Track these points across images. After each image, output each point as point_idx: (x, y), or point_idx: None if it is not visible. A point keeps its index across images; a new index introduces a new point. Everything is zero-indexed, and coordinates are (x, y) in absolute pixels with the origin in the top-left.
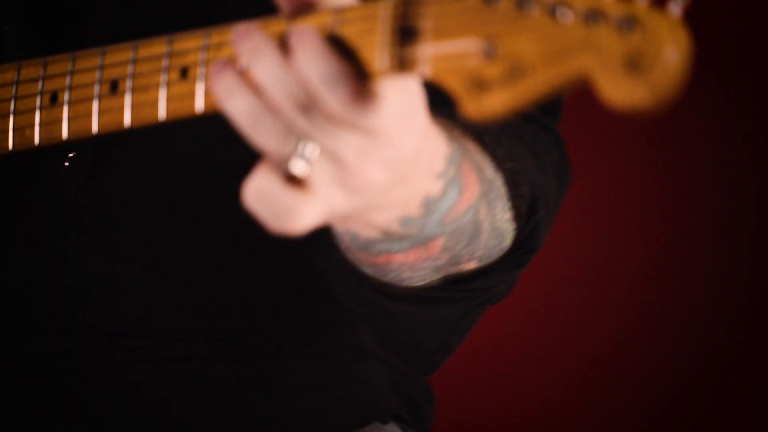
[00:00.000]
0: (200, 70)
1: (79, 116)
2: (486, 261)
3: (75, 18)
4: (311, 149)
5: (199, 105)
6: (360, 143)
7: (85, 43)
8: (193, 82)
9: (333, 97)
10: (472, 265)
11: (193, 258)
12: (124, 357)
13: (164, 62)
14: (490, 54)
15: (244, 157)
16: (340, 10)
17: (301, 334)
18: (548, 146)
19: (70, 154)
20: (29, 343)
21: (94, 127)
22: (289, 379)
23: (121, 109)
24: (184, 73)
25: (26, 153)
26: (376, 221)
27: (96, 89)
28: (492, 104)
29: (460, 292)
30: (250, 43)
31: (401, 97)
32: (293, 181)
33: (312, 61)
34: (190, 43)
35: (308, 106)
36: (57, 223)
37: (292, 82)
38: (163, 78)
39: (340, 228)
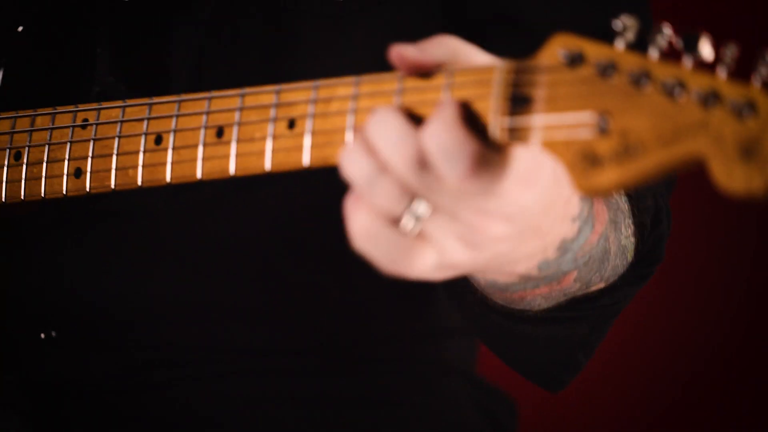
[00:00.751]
0: (308, 124)
1: (184, 161)
2: (612, 280)
3: (161, 45)
4: (423, 209)
5: (306, 159)
6: (478, 205)
7: (170, 71)
8: (301, 136)
9: (453, 171)
10: (600, 286)
11: (279, 273)
12: (211, 371)
13: (272, 112)
14: (602, 129)
15: (335, 176)
16: (452, 73)
17: (389, 349)
18: None
19: None
20: (110, 357)
21: (198, 173)
22: (374, 394)
23: (226, 157)
24: (292, 124)
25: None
26: (515, 270)
27: (201, 135)
28: (601, 181)
29: (587, 310)
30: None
31: (523, 158)
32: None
33: (441, 135)
34: (298, 95)
35: (425, 170)
36: (139, 240)
37: (414, 150)
38: (270, 129)
39: (479, 277)
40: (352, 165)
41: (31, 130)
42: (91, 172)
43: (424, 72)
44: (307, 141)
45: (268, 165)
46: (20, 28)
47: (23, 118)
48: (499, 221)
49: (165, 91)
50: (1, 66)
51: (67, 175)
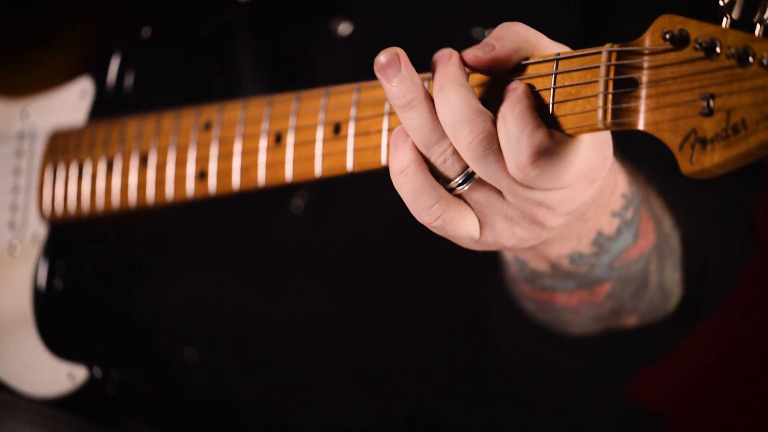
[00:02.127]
0: None
1: (303, 159)
2: (647, 318)
3: (304, 55)
4: (469, 176)
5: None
6: (538, 197)
7: (313, 79)
8: None
9: (514, 158)
10: (633, 320)
11: (412, 292)
12: (352, 390)
13: (386, 106)
14: (707, 110)
15: None
16: (559, 59)
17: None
18: (732, 217)
19: (296, 199)
20: (259, 375)
21: (317, 170)
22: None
23: (343, 153)
24: None
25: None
26: (548, 253)
27: (320, 131)
28: (706, 160)
29: (619, 349)
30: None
31: (593, 154)
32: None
33: (510, 120)
34: None
35: (488, 151)
36: (285, 263)
37: (480, 129)
38: (385, 123)
39: (509, 255)
40: (413, 121)
41: (156, 134)
42: (214, 174)
43: (501, 67)
44: None
45: (384, 160)
46: (148, 33)
47: (149, 122)
48: (558, 216)
49: (312, 79)
50: (133, 71)
51: (193, 178)
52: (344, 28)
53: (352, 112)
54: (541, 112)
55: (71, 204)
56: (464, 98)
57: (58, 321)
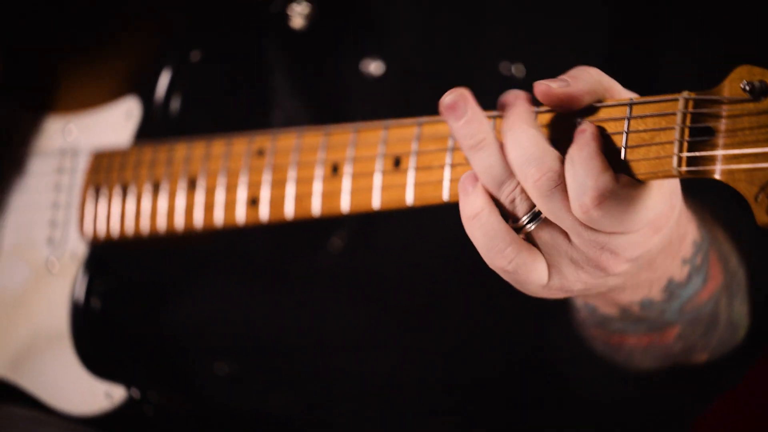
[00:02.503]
0: None
1: (360, 190)
2: (717, 353)
3: (337, 92)
4: (537, 221)
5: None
6: (603, 240)
7: (349, 99)
8: None
9: (578, 199)
10: (703, 356)
11: (447, 313)
12: (377, 407)
13: (450, 142)
14: None
15: None
16: (633, 104)
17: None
18: None
19: (334, 239)
20: (295, 392)
21: (375, 203)
22: None
23: (403, 186)
24: None
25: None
26: (618, 299)
27: (379, 163)
28: None
29: (689, 382)
30: (511, 120)
31: (660, 202)
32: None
33: (577, 163)
34: None
35: (554, 190)
36: (323, 284)
37: (546, 168)
38: (448, 158)
39: (579, 301)
40: (482, 161)
41: (206, 158)
42: (266, 201)
43: (572, 104)
44: None
45: (446, 195)
46: (197, 57)
47: (198, 145)
48: (621, 261)
49: (343, 116)
50: (180, 94)
51: (244, 204)
52: (376, 68)
53: (414, 146)
54: (610, 156)
55: (114, 224)
56: (533, 137)
57: (95, 339)
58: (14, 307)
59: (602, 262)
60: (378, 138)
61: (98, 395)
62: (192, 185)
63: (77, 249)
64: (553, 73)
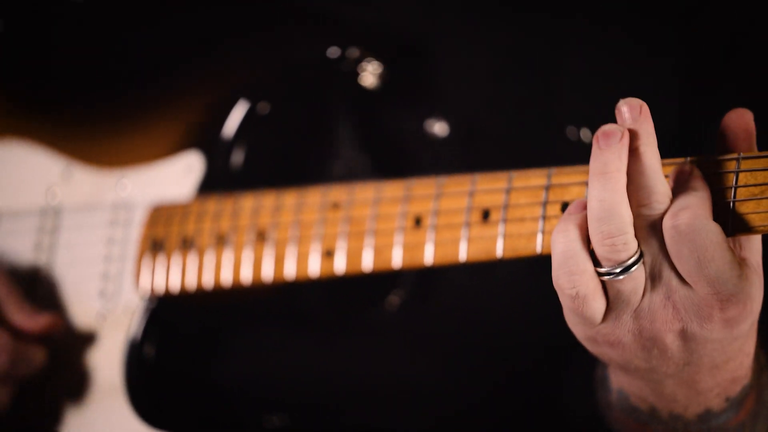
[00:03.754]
0: None
1: (446, 242)
2: None
3: (404, 152)
4: (638, 268)
5: None
6: (690, 297)
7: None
8: None
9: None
10: None
11: (501, 370)
12: None
13: (543, 195)
14: None
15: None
16: (743, 158)
17: None
18: None
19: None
20: None
21: (462, 255)
22: None
23: (493, 238)
24: (565, 208)
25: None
26: (647, 397)
27: (465, 216)
28: None
29: None
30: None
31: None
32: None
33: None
34: (571, 178)
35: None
36: (376, 339)
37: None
38: (542, 211)
39: (615, 383)
40: (600, 191)
41: (277, 209)
42: (343, 253)
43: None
44: None
45: (539, 247)
46: (265, 110)
47: (268, 197)
48: (678, 346)
49: (406, 169)
50: (245, 145)
51: (318, 256)
52: (440, 129)
53: (504, 198)
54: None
55: (174, 277)
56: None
57: (149, 390)
58: (67, 358)
59: (662, 335)
60: (464, 190)
61: None
62: (261, 237)
63: (131, 301)
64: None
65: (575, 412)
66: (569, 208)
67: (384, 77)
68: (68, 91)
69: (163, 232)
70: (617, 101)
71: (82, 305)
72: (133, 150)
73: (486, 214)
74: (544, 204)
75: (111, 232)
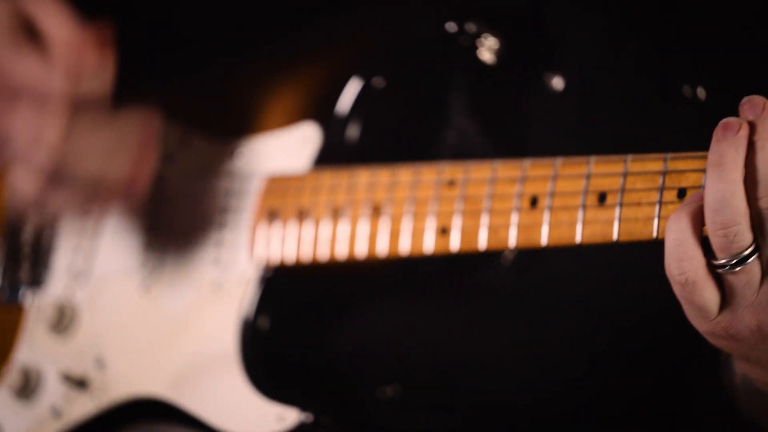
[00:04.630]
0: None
1: (561, 224)
2: None
3: (518, 109)
4: (754, 261)
5: None
6: None
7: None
8: None
9: None
10: None
11: (615, 342)
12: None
13: (660, 180)
14: None
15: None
16: None
17: None
18: None
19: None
20: (450, 416)
21: (578, 237)
22: None
23: (609, 222)
24: (682, 194)
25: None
26: None
27: (582, 198)
28: None
29: None
30: None
31: None
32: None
33: None
34: (688, 164)
35: None
36: (485, 306)
37: None
38: (658, 196)
39: (739, 368)
40: (716, 183)
41: (393, 186)
42: (458, 231)
43: None
44: None
45: (654, 232)
46: (381, 85)
47: (383, 173)
48: None
49: (522, 144)
50: (360, 119)
51: (433, 233)
52: (557, 83)
53: (621, 182)
54: None
55: (289, 249)
56: None
57: (265, 361)
58: (178, 326)
59: None
60: (581, 172)
61: (269, 418)
62: (377, 212)
63: (246, 271)
64: (736, 97)
65: (701, 390)
66: (688, 198)
67: (501, 52)
68: (187, 59)
69: (278, 203)
70: (735, 61)
71: (197, 272)
72: (250, 120)
73: (602, 198)
74: (661, 189)
75: (226, 201)
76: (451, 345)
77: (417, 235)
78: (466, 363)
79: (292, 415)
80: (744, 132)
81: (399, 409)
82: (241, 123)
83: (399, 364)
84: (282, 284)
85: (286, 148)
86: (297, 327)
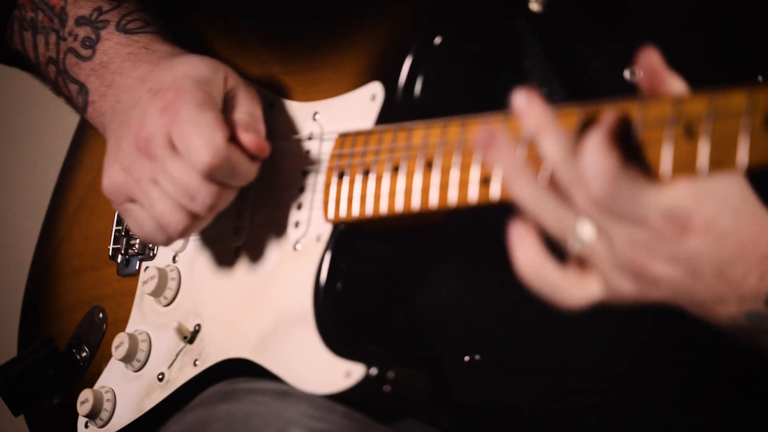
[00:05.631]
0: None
1: None
2: None
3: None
4: (588, 232)
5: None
6: (629, 233)
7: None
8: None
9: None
10: None
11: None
12: (613, 400)
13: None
14: None
15: None
16: (680, 101)
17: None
18: None
19: None
20: (535, 383)
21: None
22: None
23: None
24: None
25: None
26: (715, 313)
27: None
28: None
29: None
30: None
31: (685, 195)
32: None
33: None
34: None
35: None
36: None
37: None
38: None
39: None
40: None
41: (442, 140)
42: (498, 180)
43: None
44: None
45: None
46: (438, 40)
47: (435, 127)
48: (659, 260)
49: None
50: (420, 75)
51: (477, 184)
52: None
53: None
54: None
55: (355, 205)
56: None
57: (337, 319)
58: (262, 290)
59: (638, 260)
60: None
61: (338, 375)
62: (429, 166)
63: (323, 231)
64: None
65: None
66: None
67: (566, 7)
68: (267, 30)
69: (346, 163)
70: None
71: (280, 235)
72: (323, 83)
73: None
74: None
75: (305, 163)
76: (531, 310)
77: (463, 186)
78: (547, 328)
79: (359, 370)
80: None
81: (478, 370)
82: (316, 87)
83: (475, 328)
84: (358, 244)
85: (355, 109)
86: (369, 286)
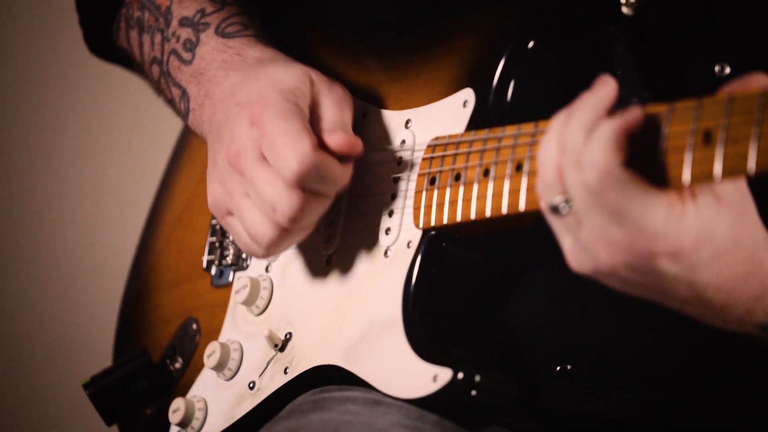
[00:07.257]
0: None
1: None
2: None
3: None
4: (564, 206)
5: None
6: (602, 226)
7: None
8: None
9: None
10: None
11: None
12: (707, 411)
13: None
14: None
15: None
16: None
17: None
18: None
19: None
20: (626, 394)
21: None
22: None
23: (710, 159)
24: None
25: None
26: (724, 319)
27: (689, 140)
28: None
29: None
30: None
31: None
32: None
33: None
34: None
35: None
36: None
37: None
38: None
39: None
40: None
41: (532, 143)
42: None
43: None
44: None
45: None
46: (531, 44)
47: (525, 127)
48: (621, 263)
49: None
50: (513, 79)
51: None
52: (722, 68)
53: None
54: None
55: (446, 210)
56: None
57: (426, 325)
58: (353, 297)
59: (600, 251)
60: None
61: (426, 379)
62: (518, 169)
63: (414, 237)
64: None
65: None
66: None
67: (658, 12)
68: (372, 36)
69: (437, 168)
70: None
71: (372, 241)
72: (416, 91)
73: (707, 138)
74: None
75: (398, 170)
76: (623, 322)
77: None
78: (639, 338)
79: (446, 374)
80: None
81: (567, 380)
82: (409, 95)
83: (565, 334)
84: (445, 249)
85: (447, 115)
86: (459, 292)
